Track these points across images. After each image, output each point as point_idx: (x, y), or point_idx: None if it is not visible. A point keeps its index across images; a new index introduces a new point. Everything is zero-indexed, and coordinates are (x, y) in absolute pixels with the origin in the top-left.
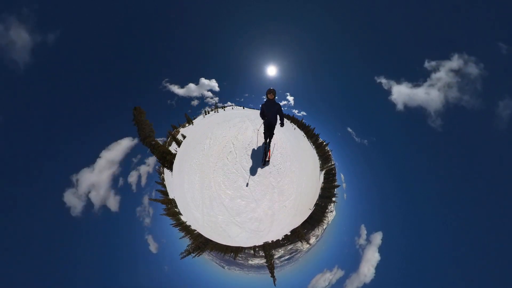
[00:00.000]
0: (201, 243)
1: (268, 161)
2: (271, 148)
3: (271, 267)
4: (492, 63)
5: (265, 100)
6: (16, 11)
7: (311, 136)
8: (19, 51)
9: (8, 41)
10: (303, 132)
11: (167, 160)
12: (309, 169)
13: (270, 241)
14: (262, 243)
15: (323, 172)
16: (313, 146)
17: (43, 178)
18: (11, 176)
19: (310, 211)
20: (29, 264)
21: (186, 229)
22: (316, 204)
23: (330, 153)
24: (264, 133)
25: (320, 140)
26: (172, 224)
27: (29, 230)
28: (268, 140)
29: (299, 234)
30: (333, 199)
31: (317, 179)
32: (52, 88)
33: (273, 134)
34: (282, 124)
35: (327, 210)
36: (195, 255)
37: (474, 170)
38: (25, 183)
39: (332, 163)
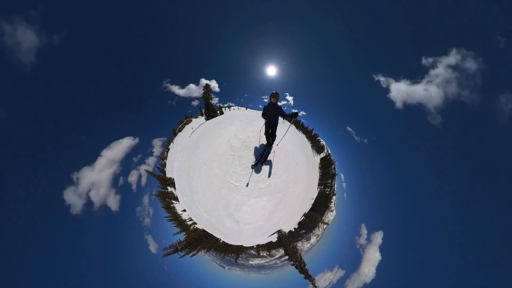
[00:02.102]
0: (193, 239)
1: (263, 163)
2: (271, 152)
3: (299, 264)
4: (491, 57)
5: (268, 102)
6: (24, 13)
7: (298, 125)
8: (26, 51)
9: (16, 42)
10: (294, 125)
11: (210, 115)
12: (305, 157)
13: (284, 233)
14: (267, 241)
15: (319, 157)
16: (303, 134)
17: (44, 175)
18: (13, 172)
19: (313, 200)
20: (27, 260)
21: (181, 224)
22: (319, 184)
23: (320, 139)
24: (265, 133)
25: (310, 129)
26: (166, 217)
27: (29, 226)
28: (270, 142)
29: (313, 217)
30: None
31: (314, 163)
32: (56, 88)
33: (275, 136)
34: (292, 116)
35: (328, 192)
36: (184, 254)
37: (476, 167)
38: (27, 179)
39: (320, 139)
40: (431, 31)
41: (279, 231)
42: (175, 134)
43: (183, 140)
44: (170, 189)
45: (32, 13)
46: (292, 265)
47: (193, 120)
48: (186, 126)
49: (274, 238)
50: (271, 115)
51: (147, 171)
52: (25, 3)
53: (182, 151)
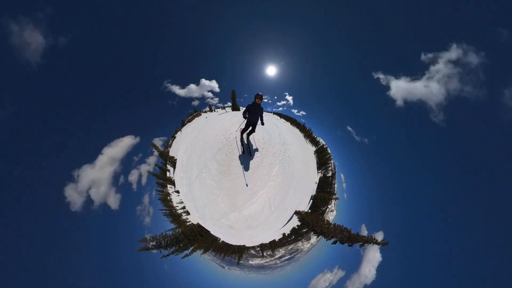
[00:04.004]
0: (184, 235)
1: (250, 153)
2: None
3: (344, 234)
4: (493, 50)
5: (252, 102)
6: (31, 15)
7: (293, 122)
8: (33, 52)
9: (23, 42)
10: (289, 122)
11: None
12: (299, 146)
13: (303, 211)
14: (283, 230)
15: (314, 147)
16: (296, 128)
17: (46, 170)
18: (16, 167)
19: (316, 184)
20: (25, 256)
21: (176, 218)
22: (318, 168)
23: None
24: (243, 129)
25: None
26: (161, 210)
27: (28, 221)
28: (247, 136)
29: (322, 197)
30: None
31: (309, 151)
32: (61, 87)
33: (254, 131)
34: (262, 123)
35: (331, 178)
36: (170, 254)
37: (480, 166)
38: (28, 174)
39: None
40: (429, 26)
41: (296, 213)
42: (183, 125)
43: (189, 131)
44: (169, 174)
45: (40, 15)
46: (335, 242)
47: (202, 114)
48: (196, 118)
49: (295, 222)
50: (254, 115)
51: (153, 144)
52: (32, 6)
53: (187, 141)
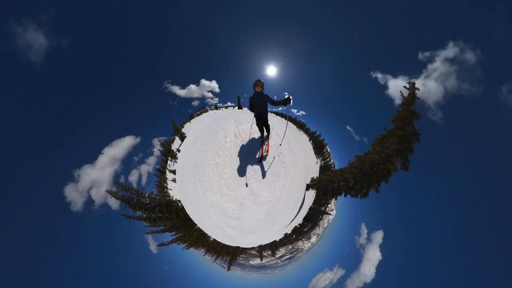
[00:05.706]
0: (158, 203)
1: (266, 155)
2: (269, 142)
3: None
4: (490, 48)
5: (253, 93)
6: (35, 16)
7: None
8: (35, 52)
9: (26, 43)
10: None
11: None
12: (301, 147)
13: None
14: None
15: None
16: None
17: (46, 170)
18: (16, 167)
19: (318, 164)
20: (26, 256)
21: (170, 203)
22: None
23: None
24: (257, 125)
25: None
26: (156, 195)
27: (28, 221)
28: (265, 134)
29: (325, 180)
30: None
31: (305, 140)
32: (63, 87)
33: (269, 126)
34: (285, 102)
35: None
36: (132, 217)
37: (479, 164)
38: (28, 175)
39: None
40: (426, 24)
41: (308, 186)
42: (191, 118)
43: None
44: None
45: (43, 16)
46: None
47: (209, 111)
48: (204, 114)
49: (311, 198)
50: (259, 106)
51: (171, 120)
52: (36, 7)
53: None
